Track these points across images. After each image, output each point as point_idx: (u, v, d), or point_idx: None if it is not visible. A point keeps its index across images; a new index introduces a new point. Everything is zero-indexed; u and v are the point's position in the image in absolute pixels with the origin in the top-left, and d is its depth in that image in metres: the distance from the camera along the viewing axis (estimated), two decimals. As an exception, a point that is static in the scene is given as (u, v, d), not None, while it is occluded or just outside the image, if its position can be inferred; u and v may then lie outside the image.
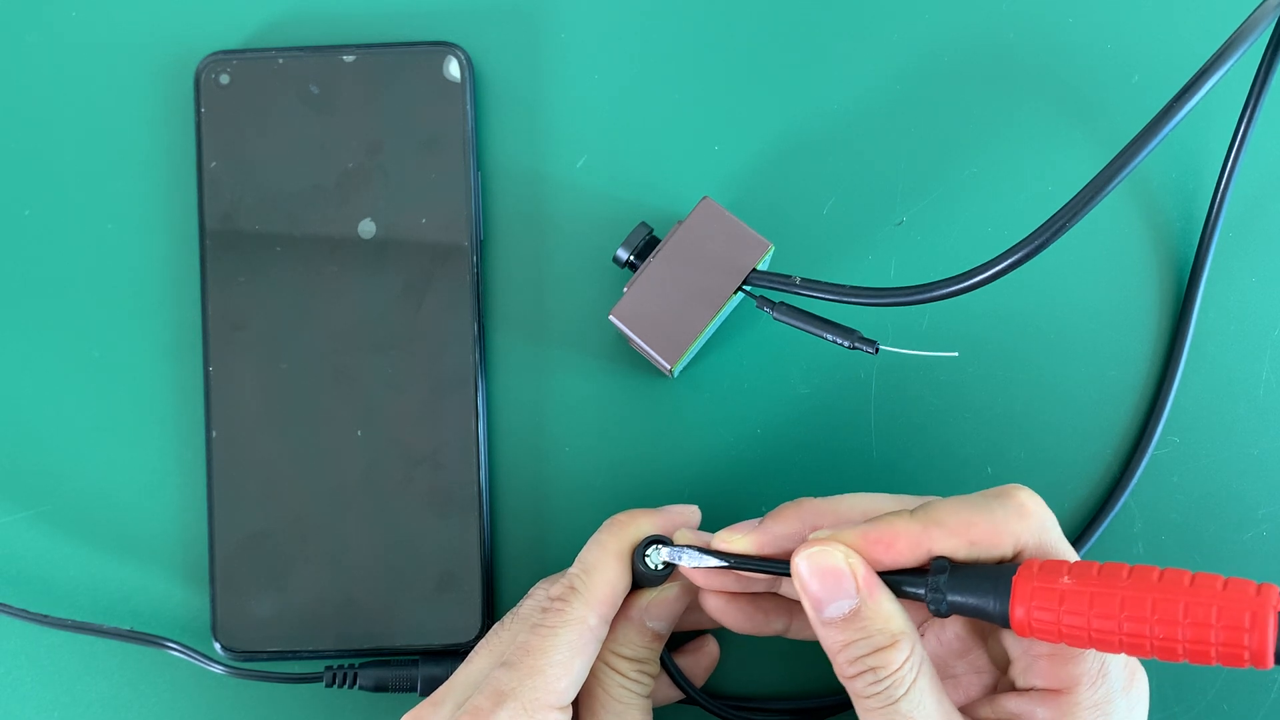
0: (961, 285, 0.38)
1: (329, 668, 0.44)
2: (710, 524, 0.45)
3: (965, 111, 0.47)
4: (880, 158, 0.47)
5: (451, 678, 0.39)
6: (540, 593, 0.39)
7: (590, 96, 0.47)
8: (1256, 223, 0.47)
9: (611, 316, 0.43)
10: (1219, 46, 0.36)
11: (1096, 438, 0.46)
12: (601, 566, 0.39)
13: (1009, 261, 0.37)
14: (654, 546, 0.39)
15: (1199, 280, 0.46)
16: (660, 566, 0.39)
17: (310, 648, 0.44)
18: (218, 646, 0.44)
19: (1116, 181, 0.36)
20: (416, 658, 0.44)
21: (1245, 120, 0.45)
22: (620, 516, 0.40)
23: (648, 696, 0.40)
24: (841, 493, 0.39)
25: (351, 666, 0.44)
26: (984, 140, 0.47)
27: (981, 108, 0.47)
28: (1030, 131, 0.47)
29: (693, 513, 0.41)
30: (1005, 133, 0.47)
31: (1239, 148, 0.45)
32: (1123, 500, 0.46)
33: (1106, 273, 0.47)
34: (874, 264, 0.47)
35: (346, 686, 0.44)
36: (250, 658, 0.44)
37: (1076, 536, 0.46)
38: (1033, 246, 0.37)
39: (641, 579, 0.40)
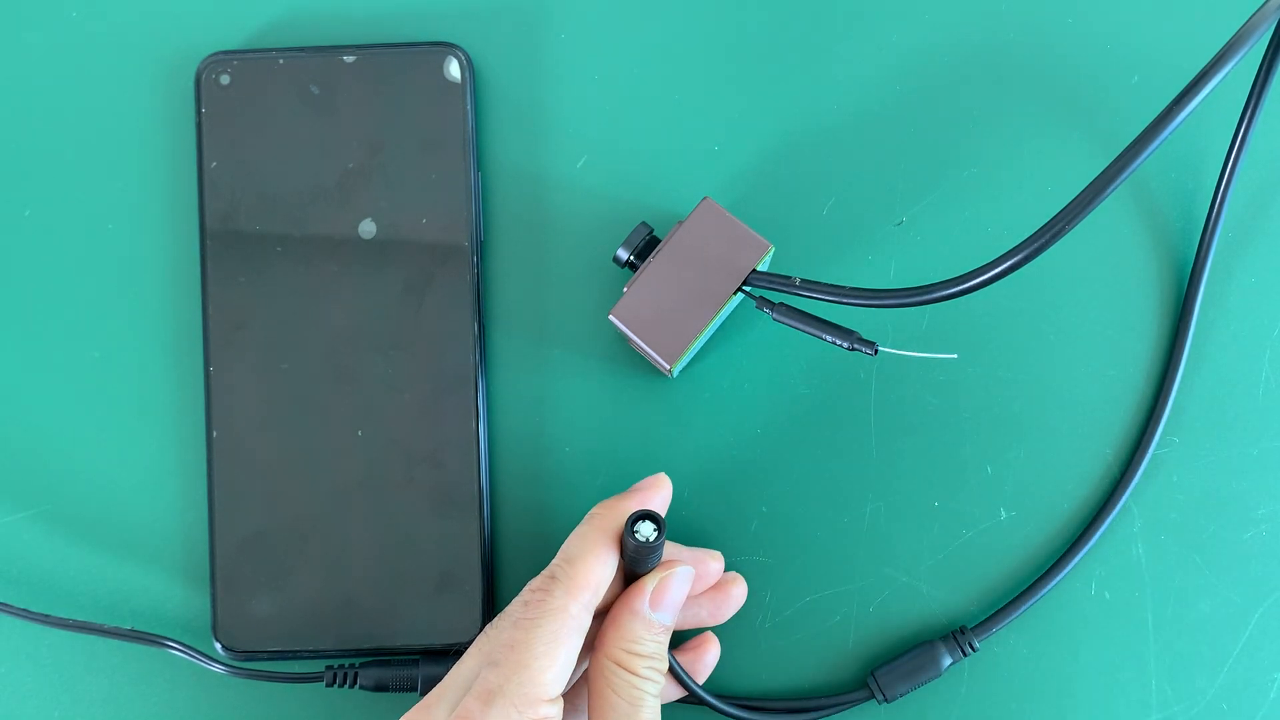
0: (961, 286, 0.38)
1: (329, 667, 0.44)
2: (709, 524, 0.46)
3: (965, 112, 0.47)
4: (880, 158, 0.47)
5: (444, 680, 0.39)
6: (526, 590, 0.39)
7: (590, 96, 0.47)
8: (1256, 223, 0.47)
9: (611, 316, 0.43)
10: (1219, 48, 0.36)
11: (1096, 438, 0.46)
12: (581, 554, 0.39)
13: (1009, 263, 0.37)
14: (641, 521, 0.38)
15: (1199, 280, 0.46)
16: (651, 537, 0.38)
17: (310, 647, 0.44)
18: (218, 646, 0.44)
19: (1116, 184, 0.36)
20: (417, 657, 0.44)
21: (1245, 121, 0.45)
22: (597, 508, 0.40)
23: (657, 696, 0.39)
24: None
25: (352, 666, 0.44)
26: (984, 141, 0.47)
27: (981, 108, 0.47)
28: (1030, 132, 0.47)
29: (663, 481, 0.41)
30: (1005, 133, 0.47)
31: (1239, 148, 0.45)
32: (1123, 500, 0.46)
33: (1106, 273, 0.47)
34: (874, 264, 0.47)
35: (347, 686, 0.44)
36: (250, 657, 0.44)
37: (1077, 537, 0.46)
38: (1032, 249, 0.37)
39: (635, 557, 0.39)
